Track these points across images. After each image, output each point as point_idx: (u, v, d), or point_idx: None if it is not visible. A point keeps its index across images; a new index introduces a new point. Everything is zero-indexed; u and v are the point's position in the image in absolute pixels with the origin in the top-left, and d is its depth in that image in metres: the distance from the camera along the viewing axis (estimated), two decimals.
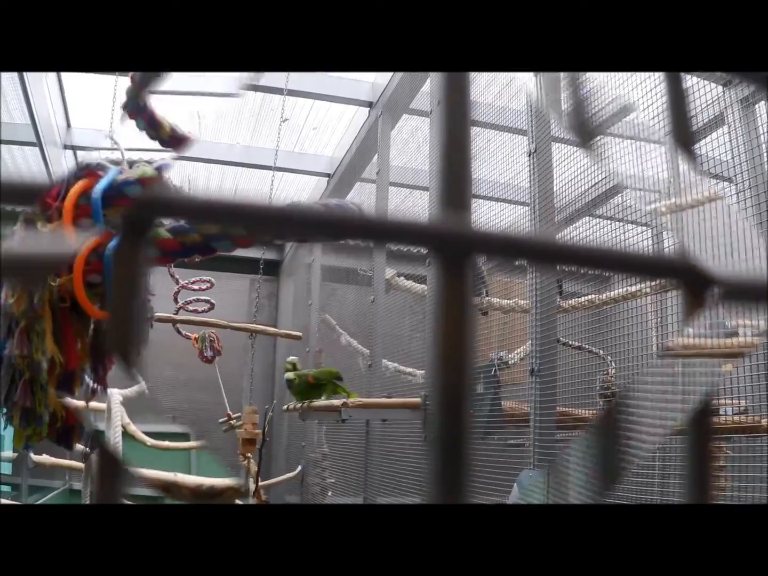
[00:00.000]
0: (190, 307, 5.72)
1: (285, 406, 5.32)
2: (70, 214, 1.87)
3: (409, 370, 4.40)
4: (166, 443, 5.50)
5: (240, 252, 7.21)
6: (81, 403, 4.33)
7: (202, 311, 5.73)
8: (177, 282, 5.68)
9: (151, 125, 2.54)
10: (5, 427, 2.11)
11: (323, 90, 5.45)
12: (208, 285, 5.72)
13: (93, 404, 4.76)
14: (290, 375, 4.33)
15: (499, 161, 3.35)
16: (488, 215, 3.56)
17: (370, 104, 5.39)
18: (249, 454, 5.27)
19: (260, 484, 5.19)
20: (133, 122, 2.56)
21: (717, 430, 2.35)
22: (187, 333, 5.97)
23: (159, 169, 1.89)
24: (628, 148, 2.20)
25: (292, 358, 4.61)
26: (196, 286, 5.72)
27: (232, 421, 5.61)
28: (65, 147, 6.37)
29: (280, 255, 8.65)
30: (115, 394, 4.61)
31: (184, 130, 2.65)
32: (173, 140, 2.60)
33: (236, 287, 7.76)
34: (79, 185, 1.90)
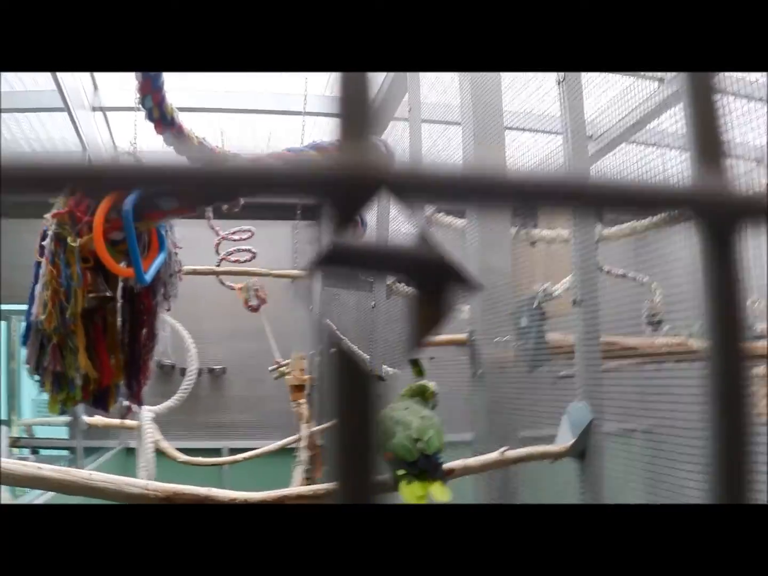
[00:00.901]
0: (232, 258, 5.74)
1: (332, 350, 5.32)
2: (101, 228, 1.87)
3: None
4: (198, 459, 5.57)
5: (278, 198, 7.30)
6: (115, 421, 4.37)
7: (245, 261, 5.75)
8: (217, 233, 5.70)
9: (179, 139, 2.52)
10: (39, 394, 2.12)
11: None
12: (249, 234, 5.72)
13: (124, 422, 4.82)
14: None
15: (529, 91, 3.29)
16: (521, 147, 3.51)
17: None
18: (300, 401, 5.32)
19: (313, 429, 5.24)
20: (160, 136, 2.55)
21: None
22: (231, 284, 6.00)
23: None
24: None
25: None
26: (236, 237, 5.73)
27: (281, 369, 5.64)
28: (94, 109, 6.38)
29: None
30: (146, 411, 4.68)
31: (212, 143, 2.63)
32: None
33: (278, 234, 7.76)
34: (108, 199, 1.89)
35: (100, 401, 2.16)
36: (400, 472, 2.22)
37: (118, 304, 2.15)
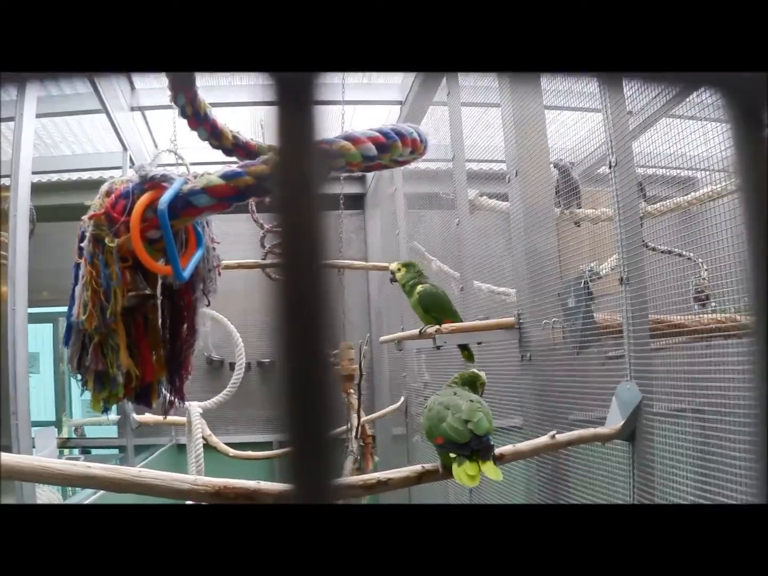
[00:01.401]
0: (278, 251, 5.75)
1: (381, 339, 5.33)
2: (138, 228, 1.88)
3: (501, 289, 4.36)
4: (248, 453, 5.61)
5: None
6: (159, 418, 4.42)
7: None
8: (261, 227, 5.72)
9: (214, 135, 2.53)
10: (82, 393, 2.14)
11: None
12: None
13: (173, 418, 4.89)
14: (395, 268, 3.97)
15: None
16: (562, 124, 3.47)
17: None
18: (350, 390, 5.33)
19: (364, 418, 5.25)
20: (193, 133, 2.55)
21: None
22: (277, 276, 6.01)
23: (224, 177, 1.88)
24: None
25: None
26: None
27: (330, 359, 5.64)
28: (132, 109, 6.45)
29: (363, 188, 8.64)
30: (195, 406, 4.72)
31: (246, 137, 2.63)
32: (237, 148, 2.59)
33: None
34: (144, 198, 1.91)
35: (143, 398, 2.18)
36: (452, 455, 2.25)
37: (158, 302, 2.17)
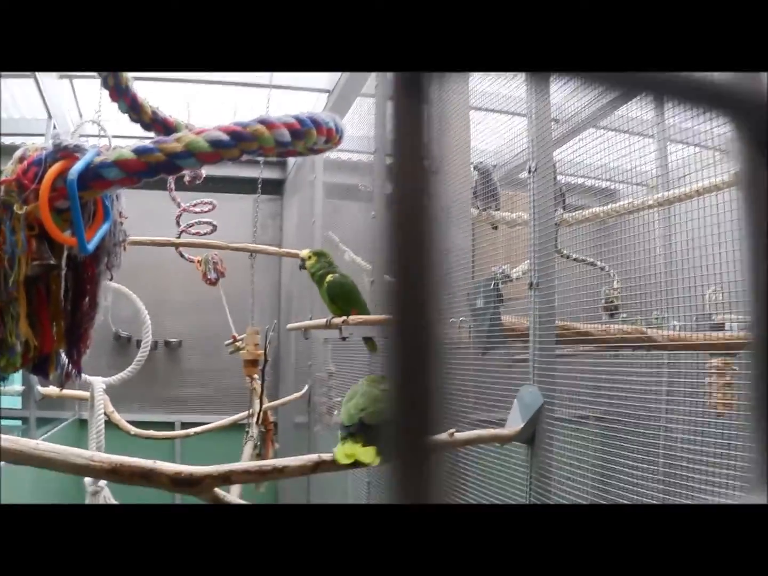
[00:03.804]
0: (193, 230, 5.70)
1: (288, 326, 5.30)
2: (47, 197, 1.85)
3: None
4: (150, 432, 5.52)
5: (241, 172, 7.19)
6: (69, 392, 4.31)
7: (205, 234, 5.71)
8: (179, 205, 5.66)
9: (133, 108, 2.49)
10: None
11: None
12: (210, 207, 5.69)
13: (76, 393, 4.80)
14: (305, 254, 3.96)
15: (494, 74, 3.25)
16: (486, 129, 3.48)
17: None
18: (254, 376, 5.30)
19: (266, 405, 5.22)
20: (115, 104, 2.52)
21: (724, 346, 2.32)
22: (190, 256, 5.96)
23: (136, 152, 1.84)
24: None
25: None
26: (197, 209, 5.70)
27: (237, 343, 5.62)
28: (61, 76, 6.31)
29: (283, 173, 8.59)
30: (99, 382, 4.62)
31: (165, 113, 2.60)
32: (155, 123, 2.56)
33: (239, 208, 7.72)
34: (55, 167, 1.87)
35: (40, 368, 2.13)
36: (341, 434, 2.39)
37: (62, 273, 2.12)
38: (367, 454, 2.29)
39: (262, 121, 1.92)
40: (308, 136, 2.00)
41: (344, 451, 2.29)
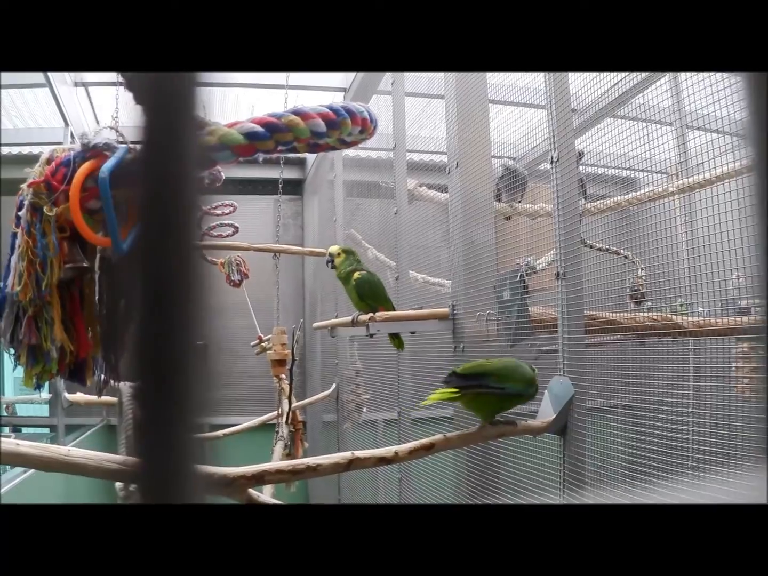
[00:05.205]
0: (214, 233, 5.71)
1: (314, 325, 5.31)
2: (77, 197, 1.83)
3: (436, 280, 4.37)
4: None
5: (262, 173, 7.17)
6: (90, 398, 4.32)
7: (227, 236, 5.72)
8: (199, 208, 5.67)
9: None
10: (15, 368, 2.09)
11: None
12: (231, 209, 5.69)
13: (105, 399, 4.86)
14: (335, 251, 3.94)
15: None
16: (505, 121, 3.48)
17: None
18: (282, 375, 5.31)
19: (295, 404, 5.23)
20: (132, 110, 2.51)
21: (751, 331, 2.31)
22: (212, 258, 5.97)
23: None
24: None
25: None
26: (219, 211, 5.70)
27: (263, 344, 5.63)
28: (76, 85, 6.34)
29: (302, 173, 8.60)
30: (127, 388, 4.63)
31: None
32: None
33: (260, 209, 7.73)
34: (85, 167, 1.85)
35: (77, 375, 2.13)
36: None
37: (96, 276, 2.11)
38: (444, 394, 2.43)
39: (297, 112, 1.92)
40: (343, 126, 2.00)
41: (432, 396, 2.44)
